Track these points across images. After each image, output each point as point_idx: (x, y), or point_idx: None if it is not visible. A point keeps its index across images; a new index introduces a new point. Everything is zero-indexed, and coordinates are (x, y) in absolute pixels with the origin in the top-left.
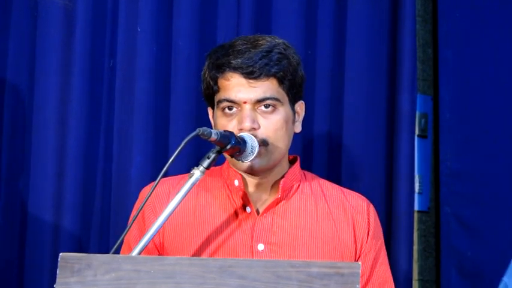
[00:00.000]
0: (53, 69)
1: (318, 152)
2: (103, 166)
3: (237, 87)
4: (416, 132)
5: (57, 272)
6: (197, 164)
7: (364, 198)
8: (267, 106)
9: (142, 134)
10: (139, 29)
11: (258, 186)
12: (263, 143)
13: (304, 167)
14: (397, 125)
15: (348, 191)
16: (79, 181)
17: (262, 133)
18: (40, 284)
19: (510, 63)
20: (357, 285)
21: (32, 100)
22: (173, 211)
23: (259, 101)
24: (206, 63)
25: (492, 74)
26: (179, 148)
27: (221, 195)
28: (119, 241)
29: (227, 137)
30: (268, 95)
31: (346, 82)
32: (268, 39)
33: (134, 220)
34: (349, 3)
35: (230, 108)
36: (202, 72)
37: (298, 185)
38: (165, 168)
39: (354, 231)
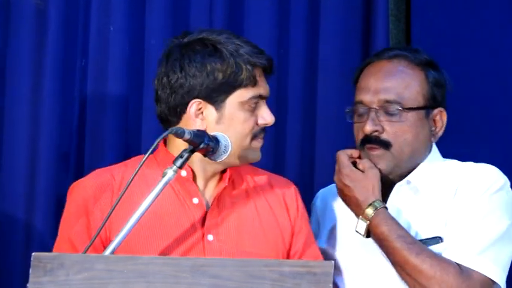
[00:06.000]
0: (24, 69)
1: (290, 151)
2: (75, 166)
3: (265, 84)
4: None
5: (30, 271)
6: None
7: (289, 181)
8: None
9: (114, 134)
10: (111, 28)
11: (205, 176)
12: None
13: (276, 166)
14: None
15: (274, 176)
16: (51, 181)
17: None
18: (11, 284)
19: (484, 63)
20: (330, 285)
21: (3, 100)
22: (146, 211)
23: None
24: (229, 54)
25: (465, 73)
26: (152, 147)
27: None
28: (91, 241)
29: (200, 136)
30: None
31: (319, 81)
32: None
33: (100, 230)
34: (322, 1)
35: (255, 104)
36: (226, 62)
37: (240, 174)
38: (138, 167)
39: (288, 213)
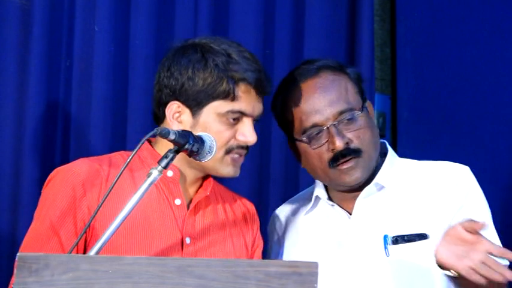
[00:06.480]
0: (9, 69)
1: (275, 155)
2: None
3: (252, 102)
4: None
5: (15, 272)
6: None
7: (249, 201)
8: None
9: (99, 134)
10: (96, 29)
11: (187, 180)
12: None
13: (262, 169)
14: None
15: (237, 195)
16: (36, 181)
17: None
18: None
19: (467, 63)
20: (315, 285)
21: None
22: (131, 211)
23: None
24: (213, 64)
25: (450, 74)
26: (137, 147)
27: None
28: (77, 240)
29: (185, 136)
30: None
31: None
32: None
33: (89, 224)
34: (307, 2)
35: (236, 119)
36: (209, 70)
37: (212, 186)
38: (123, 167)
39: (252, 229)
